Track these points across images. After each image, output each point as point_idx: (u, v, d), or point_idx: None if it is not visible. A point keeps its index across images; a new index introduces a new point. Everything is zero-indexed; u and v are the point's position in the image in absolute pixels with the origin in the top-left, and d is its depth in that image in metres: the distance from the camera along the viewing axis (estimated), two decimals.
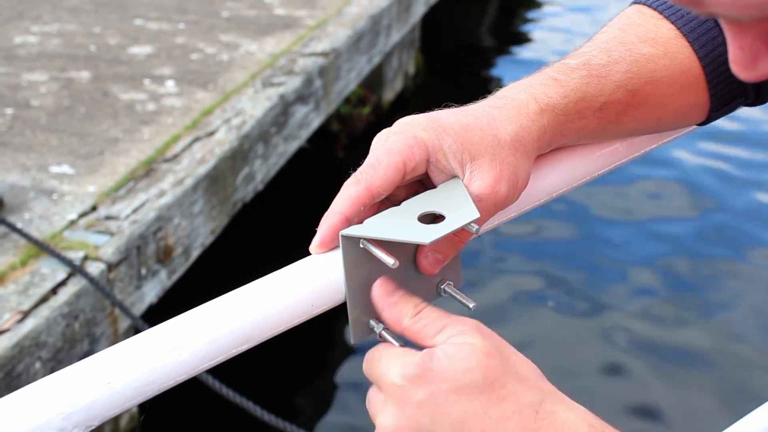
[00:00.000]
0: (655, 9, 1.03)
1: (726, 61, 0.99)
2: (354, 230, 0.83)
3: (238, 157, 4.01)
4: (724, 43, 0.99)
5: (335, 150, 5.88)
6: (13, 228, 3.15)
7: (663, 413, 4.03)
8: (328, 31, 5.29)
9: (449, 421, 0.75)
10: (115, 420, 3.44)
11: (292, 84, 4.56)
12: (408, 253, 0.87)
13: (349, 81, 5.38)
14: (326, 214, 0.86)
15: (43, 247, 3.09)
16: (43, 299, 2.92)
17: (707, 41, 1.00)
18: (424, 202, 0.86)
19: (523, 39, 8.70)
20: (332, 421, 4.04)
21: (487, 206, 0.87)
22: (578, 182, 1.03)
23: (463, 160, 0.88)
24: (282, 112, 4.43)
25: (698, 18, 1.00)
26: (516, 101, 0.93)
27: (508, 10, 9.32)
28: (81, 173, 3.63)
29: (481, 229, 0.90)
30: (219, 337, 0.80)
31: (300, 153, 4.81)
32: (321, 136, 5.34)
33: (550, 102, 0.94)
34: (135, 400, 0.77)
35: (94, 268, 3.08)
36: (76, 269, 3.02)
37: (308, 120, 4.79)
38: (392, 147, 0.87)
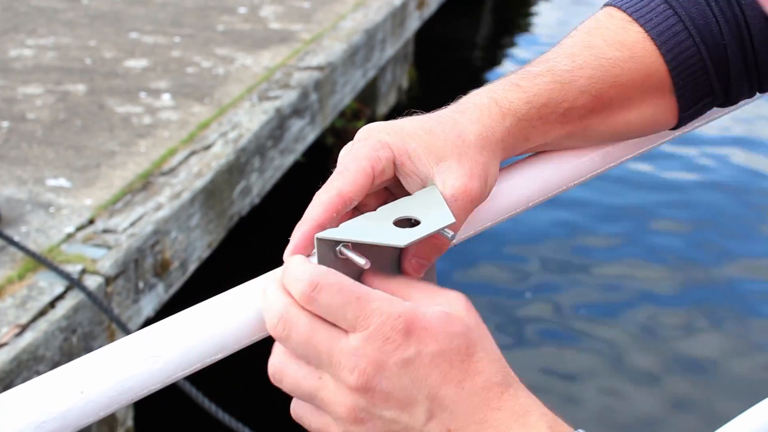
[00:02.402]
0: (624, 11, 1.03)
1: (694, 64, 1.01)
2: (329, 233, 0.83)
3: (234, 170, 4.01)
4: (691, 46, 1.01)
5: (330, 164, 5.87)
6: (10, 241, 3.14)
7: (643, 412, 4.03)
8: (324, 45, 5.30)
9: (427, 383, 0.76)
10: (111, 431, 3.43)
11: (288, 98, 4.56)
12: (384, 259, 0.86)
13: (344, 95, 5.39)
14: (299, 222, 0.85)
15: (40, 261, 3.07)
16: (41, 313, 2.91)
17: (675, 45, 1.01)
18: (400, 208, 0.86)
19: (516, 53, 8.73)
20: None
21: (464, 204, 0.87)
22: (554, 192, 1.03)
23: (429, 162, 0.88)
24: (278, 126, 4.43)
25: (667, 21, 1.01)
26: (478, 105, 0.93)
27: (501, 25, 9.35)
28: (78, 186, 3.62)
29: (457, 237, 0.90)
30: (193, 345, 0.80)
31: (295, 167, 4.80)
32: (316, 149, 5.34)
33: (511, 107, 0.94)
34: (109, 409, 0.77)
35: (92, 282, 3.07)
36: (74, 283, 3.01)
37: (304, 133, 4.79)
38: (358, 152, 0.87)
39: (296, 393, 0.80)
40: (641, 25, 1.01)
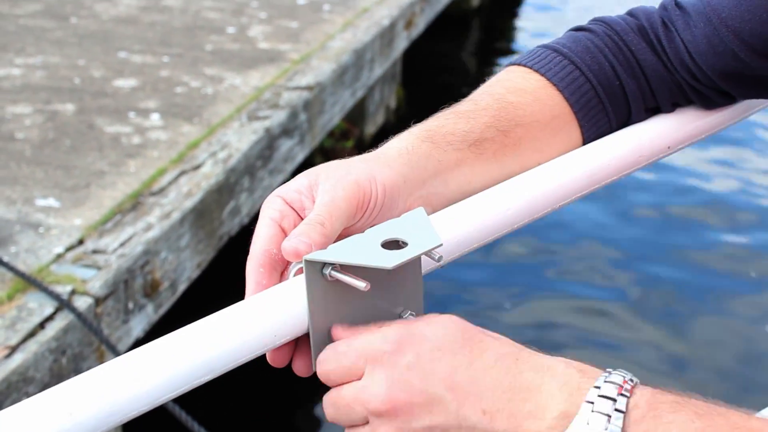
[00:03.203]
0: (524, 66, 1.10)
1: (594, 106, 1.09)
2: (317, 255, 0.84)
3: (224, 190, 4.00)
4: (590, 90, 1.08)
5: None
6: (0, 261, 3.12)
7: None
8: (312, 65, 5.30)
9: (439, 378, 0.79)
10: None
11: (277, 118, 4.56)
12: (372, 282, 0.87)
13: (333, 114, 5.39)
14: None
15: (30, 281, 3.06)
16: (31, 334, 2.89)
17: (575, 89, 1.08)
18: (387, 229, 0.87)
19: None
20: None
21: (338, 213, 0.89)
22: (542, 212, 1.05)
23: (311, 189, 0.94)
24: (267, 146, 4.43)
25: (566, 69, 1.08)
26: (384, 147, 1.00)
27: (488, 45, 9.39)
28: (67, 206, 3.61)
29: (445, 257, 0.92)
30: (181, 368, 0.80)
31: None
32: (304, 168, 5.33)
33: (411, 131, 1.01)
34: (98, 430, 0.77)
35: (82, 303, 3.05)
36: (63, 303, 2.99)
37: (293, 153, 4.79)
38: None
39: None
40: (542, 75, 1.08)
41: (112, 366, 0.79)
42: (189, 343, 0.82)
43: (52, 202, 3.64)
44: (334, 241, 0.88)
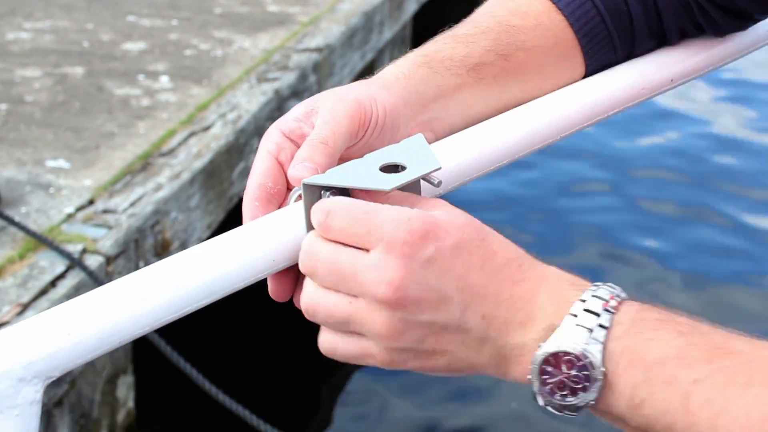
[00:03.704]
0: None
1: (600, 32, 1.06)
2: (315, 179, 0.84)
3: (233, 151, 4.00)
4: (596, 16, 1.05)
5: None
6: (11, 221, 3.14)
7: None
8: (322, 27, 5.29)
9: (453, 276, 0.77)
10: (112, 415, 3.43)
11: (286, 79, 4.55)
12: None
13: (343, 77, 5.37)
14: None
15: (41, 240, 3.07)
16: (42, 292, 2.91)
17: (581, 14, 1.04)
18: (386, 154, 0.87)
19: None
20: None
21: (340, 130, 0.88)
22: (539, 144, 1.04)
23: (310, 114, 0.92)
24: (277, 107, 4.42)
25: None
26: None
27: None
28: (77, 167, 3.62)
29: (443, 186, 0.91)
30: (181, 290, 0.81)
31: None
32: None
33: (408, 57, 0.99)
34: (96, 352, 0.78)
35: (93, 261, 3.07)
36: (74, 262, 3.01)
37: None
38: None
39: (330, 322, 0.81)
40: None
41: (111, 287, 0.80)
42: (188, 266, 0.82)
43: (62, 163, 3.65)
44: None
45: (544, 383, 0.77)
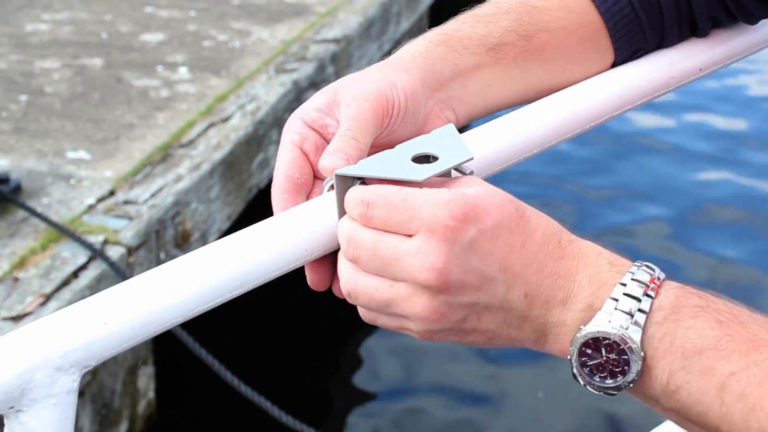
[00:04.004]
0: None
1: (627, 15, 1.03)
2: (348, 170, 0.84)
3: (253, 142, 4.01)
4: (622, 0, 1.03)
5: None
6: (33, 212, 3.16)
7: None
8: (339, 18, 5.29)
9: (496, 257, 0.77)
10: (133, 405, 3.45)
11: (305, 70, 4.56)
12: None
13: (360, 68, 5.33)
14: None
15: (63, 231, 3.09)
16: (65, 283, 2.92)
17: None
18: (417, 144, 0.86)
19: None
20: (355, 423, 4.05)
21: (365, 125, 0.88)
22: (574, 132, 1.03)
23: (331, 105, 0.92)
24: (296, 98, 4.43)
25: None
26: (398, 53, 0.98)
27: None
28: (97, 158, 3.63)
29: (476, 175, 0.89)
30: (215, 280, 0.81)
31: None
32: None
33: (425, 36, 0.98)
34: (131, 341, 0.78)
35: (114, 252, 3.08)
36: (96, 253, 3.02)
37: None
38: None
39: (372, 305, 0.81)
40: None
41: (146, 278, 0.80)
42: (221, 256, 0.82)
43: (82, 154, 3.66)
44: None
45: (583, 365, 0.77)
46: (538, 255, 0.78)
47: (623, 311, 0.76)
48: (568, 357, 0.78)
